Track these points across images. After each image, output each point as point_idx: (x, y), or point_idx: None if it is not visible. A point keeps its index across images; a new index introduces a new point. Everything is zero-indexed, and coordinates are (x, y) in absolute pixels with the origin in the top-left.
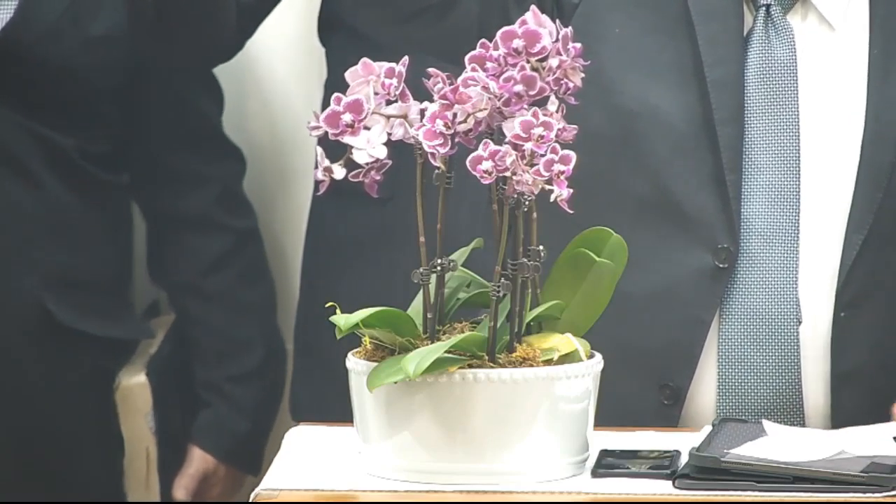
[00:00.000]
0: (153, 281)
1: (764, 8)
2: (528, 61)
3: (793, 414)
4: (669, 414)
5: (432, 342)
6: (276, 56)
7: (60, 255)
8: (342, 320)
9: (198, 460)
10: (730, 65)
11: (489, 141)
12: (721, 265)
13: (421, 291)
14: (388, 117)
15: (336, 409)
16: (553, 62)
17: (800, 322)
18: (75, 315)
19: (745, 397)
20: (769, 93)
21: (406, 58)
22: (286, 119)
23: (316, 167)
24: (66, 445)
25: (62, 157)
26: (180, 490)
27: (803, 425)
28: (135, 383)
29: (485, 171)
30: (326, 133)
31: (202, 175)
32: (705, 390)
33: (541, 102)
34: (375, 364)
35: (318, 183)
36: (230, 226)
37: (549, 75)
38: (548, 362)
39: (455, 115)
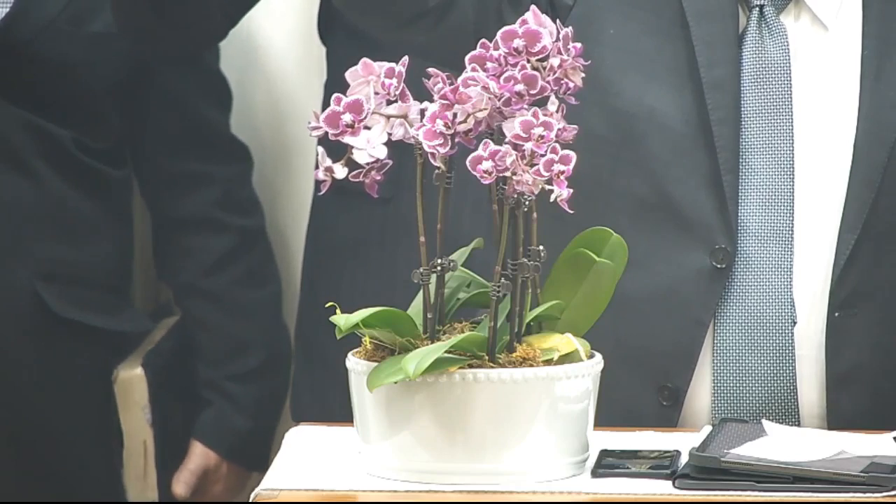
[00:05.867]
0: (161, 280)
1: (757, 8)
2: (528, 61)
3: (788, 415)
4: (668, 415)
5: (432, 342)
6: (280, 54)
7: (58, 248)
8: (342, 320)
9: (198, 456)
10: (725, 66)
11: (489, 141)
12: (719, 266)
13: (421, 291)
14: (388, 117)
15: (336, 409)
16: (554, 62)
17: (794, 323)
18: (73, 307)
19: (741, 398)
20: (763, 93)
21: (406, 58)
22: (288, 118)
23: (317, 167)
24: (65, 438)
25: (59, 149)
26: (179, 485)
27: (799, 426)
28: (132, 376)
29: (485, 171)
30: (327, 133)
31: (203, 176)
32: (703, 391)
33: (540, 102)
34: (375, 364)
35: (319, 183)
36: (234, 225)
37: (549, 75)
38: (548, 362)
39: (455, 115)
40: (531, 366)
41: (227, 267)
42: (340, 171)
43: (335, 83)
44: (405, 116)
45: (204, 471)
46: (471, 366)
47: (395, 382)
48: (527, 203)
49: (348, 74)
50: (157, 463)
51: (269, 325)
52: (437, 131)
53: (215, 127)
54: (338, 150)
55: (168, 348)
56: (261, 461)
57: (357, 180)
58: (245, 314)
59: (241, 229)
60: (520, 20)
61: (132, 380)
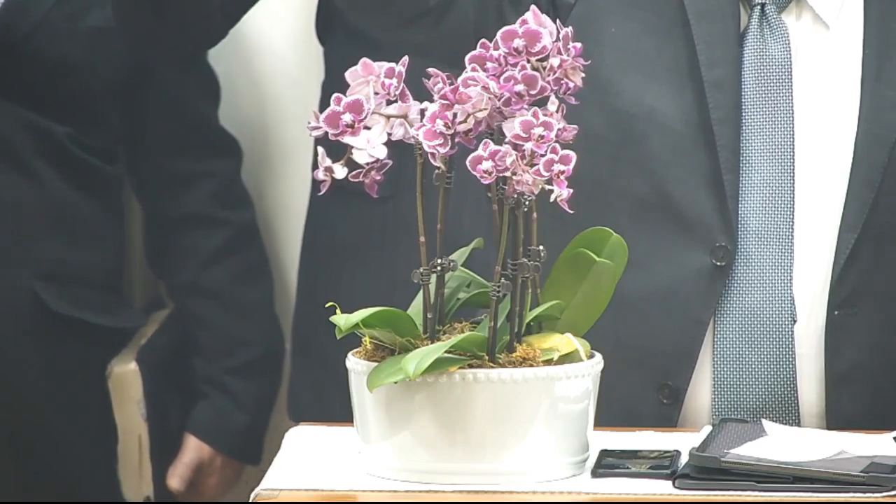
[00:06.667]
0: (156, 276)
1: (759, 7)
2: (528, 61)
3: (788, 413)
4: (668, 413)
5: (432, 342)
6: (276, 52)
7: (54, 244)
8: (342, 320)
9: (193, 449)
10: (726, 65)
11: (489, 141)
12: (719, 263)
13: (421, 291)
14: (388, 117)
15: (336, 408)
16: (554, 62)
17: (794, 321)
18: (69, 304)
19: (741, 396)
20: (764, 92)
21: (406, 58)
22: (285, 117)
23: (316, 167)
24: (61, 433)
25: (58, 147)
26: (174, 479)
27: (798, 424)
28: (126, 371)
29: (485, 171)
30: (326, 133)
31: (198, 173)
32: (703, 389)
33: (540, 102)
34: (375, 364)
35: (318, 183)
36: (229, 220)
37: (549, 75)
38: (548, 362)
39: (455, 115)
40: (531, 366)
41: (223, 261)
42: (340, 171)
43: (333, 83)
44: (405, 116)
45: (198, 464)
46: (471, 366)
47: (395, 382)
48: (527, 203)
49: (348, 74)
50: (151, 457)
51: (265, 320)
52: (437, 131)
53: (212, 124)
54: (337, 150)
55: (162, 343)
56: (254, 455)
57: (357, 180)
58: (243, 311)
59: (237, 223)
60: (520, 20)
61: (126, 375)
